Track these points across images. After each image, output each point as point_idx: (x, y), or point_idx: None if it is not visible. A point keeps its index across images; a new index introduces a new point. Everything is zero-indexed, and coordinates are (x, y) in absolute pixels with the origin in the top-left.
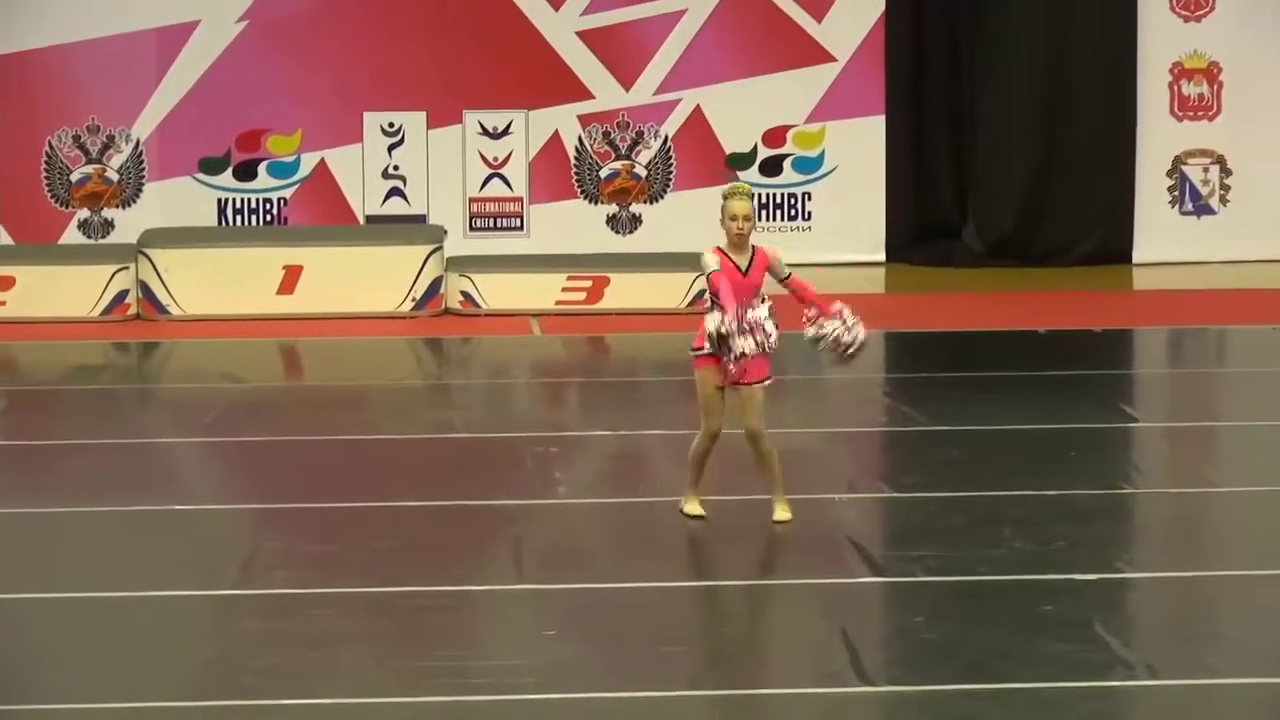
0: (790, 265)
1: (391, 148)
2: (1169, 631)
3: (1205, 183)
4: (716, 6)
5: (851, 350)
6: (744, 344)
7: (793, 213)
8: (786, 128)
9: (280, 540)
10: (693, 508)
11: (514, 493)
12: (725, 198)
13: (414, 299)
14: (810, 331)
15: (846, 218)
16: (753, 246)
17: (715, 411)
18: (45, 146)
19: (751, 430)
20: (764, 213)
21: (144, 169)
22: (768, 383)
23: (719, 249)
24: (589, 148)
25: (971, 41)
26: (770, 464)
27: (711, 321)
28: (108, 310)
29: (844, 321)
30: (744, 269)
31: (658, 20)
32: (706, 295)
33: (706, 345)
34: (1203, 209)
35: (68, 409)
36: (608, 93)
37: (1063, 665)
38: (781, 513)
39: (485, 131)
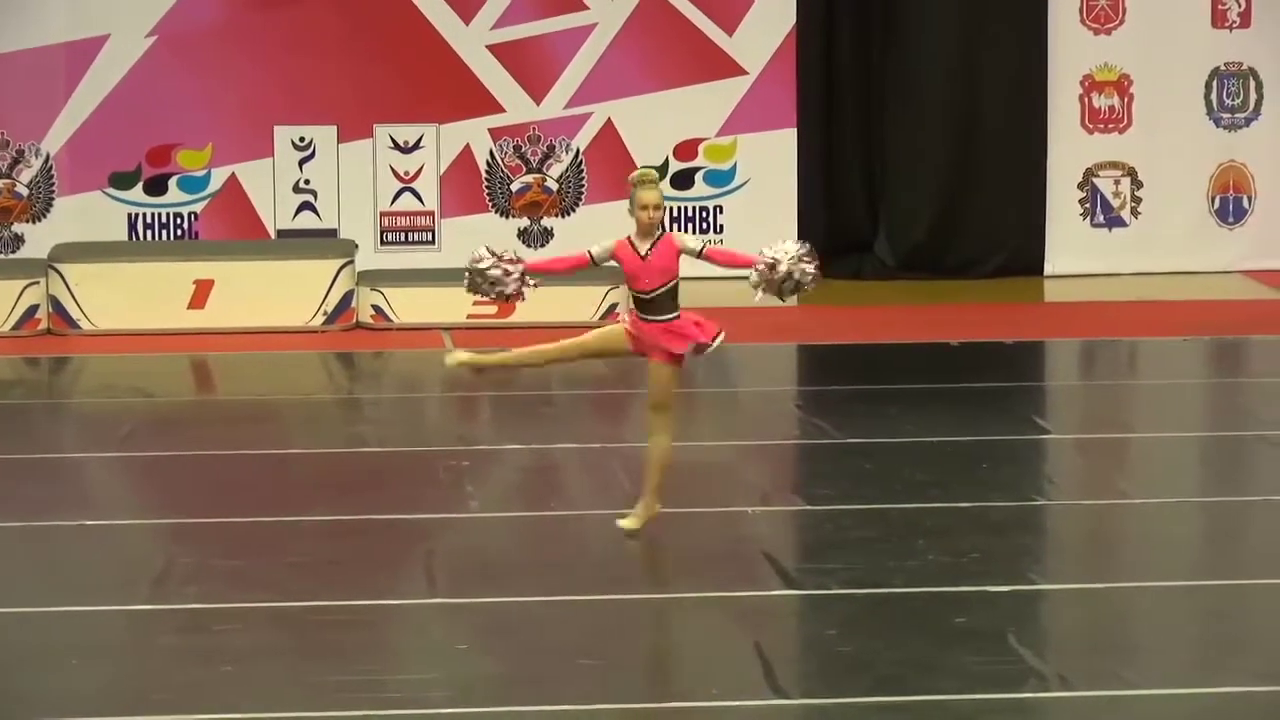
0: (704, 279)
1: (302, 162)
2: (1082, 643)
3: (1116, 195)
4: (627, 20)
5: (791, 283)
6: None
7: (704, 226)
8: (698, 141)
9: (193, 555)
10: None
11: (426, 507)
12: (635, 185)
13: (325, 313)
14: (754, 278)
15: (758, 231)
16: (660, 233)
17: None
18: None
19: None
20: (676, 226)
21: (54, 184)
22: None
23: (626, 238)
24: (500, 161)
25: (883, 54)
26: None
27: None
28: (18, 325)
29: (771, 262)
30: (643, 254)
31: (568, 34)
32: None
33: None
34: (1114, 221)
35: None
36: (519, 106)
37: (976, 677)
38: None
39: (396, 145)
